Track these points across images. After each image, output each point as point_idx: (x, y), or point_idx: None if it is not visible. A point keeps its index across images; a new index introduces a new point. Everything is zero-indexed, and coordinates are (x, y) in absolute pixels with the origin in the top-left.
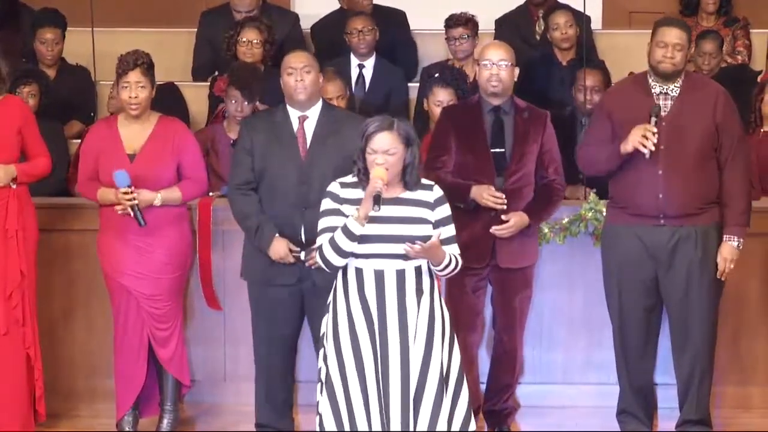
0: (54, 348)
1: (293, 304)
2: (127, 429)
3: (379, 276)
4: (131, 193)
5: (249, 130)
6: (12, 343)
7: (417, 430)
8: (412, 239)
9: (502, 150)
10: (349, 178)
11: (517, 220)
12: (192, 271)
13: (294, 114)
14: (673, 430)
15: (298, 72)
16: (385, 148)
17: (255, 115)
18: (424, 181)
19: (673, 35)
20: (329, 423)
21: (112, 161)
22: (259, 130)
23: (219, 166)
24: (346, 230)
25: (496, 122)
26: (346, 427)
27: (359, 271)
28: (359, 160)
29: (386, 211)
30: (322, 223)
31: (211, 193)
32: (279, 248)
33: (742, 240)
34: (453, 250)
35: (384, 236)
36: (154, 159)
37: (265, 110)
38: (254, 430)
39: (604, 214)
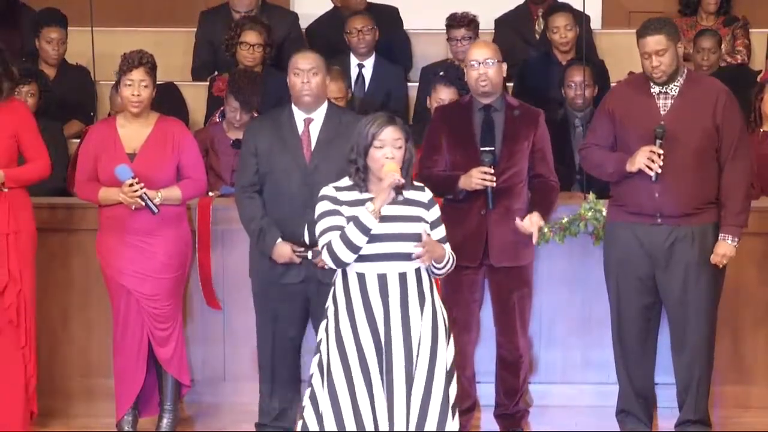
0: (52, 347)
1: (298, 304)
2: (126, 429)
3: (383, 280)
4: (136, 183)
5: (254, 131)
6: (5, 343)
7: (425, 430)
8: (412, 237)
9: (492, 148)
10: (344, 182)
11: (536, 218)
12: (192, 270)
13: (299, 116)
14: (673, 429)
15: (305, 74)
16: (396, 137)
17: (260, 116)
18: (414, 182)
19: (651, 43)
20: (330, 425)
21: (112, 161)
22: (263, 132)
23: (218, 166)
24: (359, 224)
25: (486, 121)
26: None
27: (361, 276)
28: (360, 157)
29: (384, 210)
30: (324, 223)
31: (210, 193)
32: (283, 251)
33: (737, 239)
34: (447, 248)
35: (385, 235)
36: (153, 159)
37: (270, 111)
38: (254, 430)
39: (604, 213)
